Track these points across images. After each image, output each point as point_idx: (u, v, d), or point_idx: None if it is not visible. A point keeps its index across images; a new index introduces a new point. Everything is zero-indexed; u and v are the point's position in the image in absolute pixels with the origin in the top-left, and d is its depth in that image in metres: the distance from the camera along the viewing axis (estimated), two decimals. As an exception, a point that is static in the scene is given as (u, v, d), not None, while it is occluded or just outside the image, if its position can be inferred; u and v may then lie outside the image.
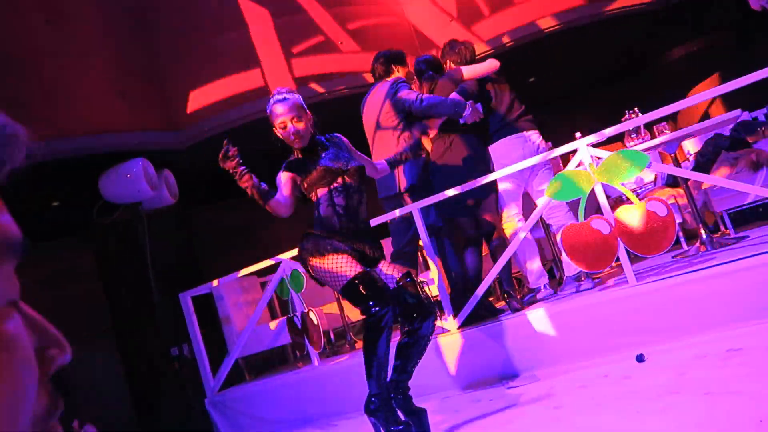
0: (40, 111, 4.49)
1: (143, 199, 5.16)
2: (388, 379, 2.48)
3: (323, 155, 2.65)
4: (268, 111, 2.63)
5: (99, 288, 5.81)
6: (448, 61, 3.92)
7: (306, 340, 3.84)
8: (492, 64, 3.71)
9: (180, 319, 4.38)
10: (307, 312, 3.86)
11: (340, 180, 2.61)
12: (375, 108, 3.81)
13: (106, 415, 5.58)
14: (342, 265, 2.48)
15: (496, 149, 3.69)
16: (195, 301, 4.43)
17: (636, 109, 3.57)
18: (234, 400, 4.16)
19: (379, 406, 2.41)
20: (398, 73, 3.84)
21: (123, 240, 5.58)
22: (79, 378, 5.35)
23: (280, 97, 2.61)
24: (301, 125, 2.58)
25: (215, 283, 4.35)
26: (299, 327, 3.89)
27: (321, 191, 2.60)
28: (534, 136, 3.67)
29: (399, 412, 2.48)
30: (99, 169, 5.06)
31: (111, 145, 4.85)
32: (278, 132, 2.61)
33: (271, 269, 4.12)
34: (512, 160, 3.53)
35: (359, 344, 4.53)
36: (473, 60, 3.88)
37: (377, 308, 2.37)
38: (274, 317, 5.35)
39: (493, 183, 3.61)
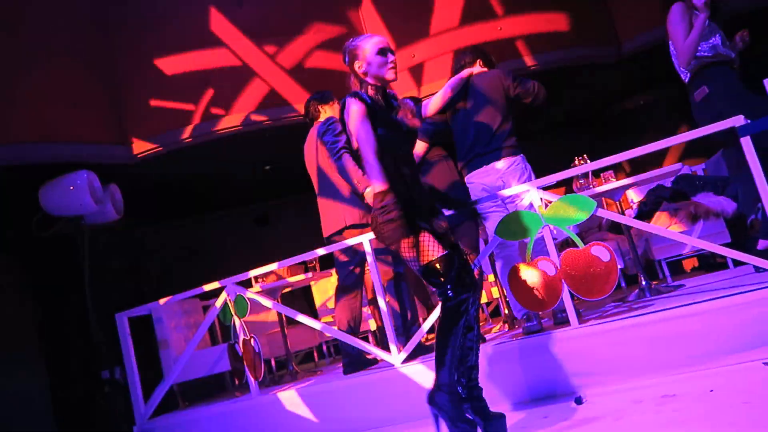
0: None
1: (86, 213, 4.97)
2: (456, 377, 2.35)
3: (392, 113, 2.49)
4: (354, 44, 2.49)
5: (31, 303, 5.52)
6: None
7: (246, 368, 3.73)
8: (444, 94, 3.42)
9: (116, 340, 4.19)
10: (249, 339, 3.76)
11: (406, 147, 2.48)
12: (311, 150, 3.86)
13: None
14: (424, 244, 2.34)
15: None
16: (133, 322, 4.26)
17: (585, 156, 3.68)
18: (166, 428, 3.98)
19: (448, 398, 2.27)
20: (325, 113, 3.85)
21: (60, 255, 5.34)
22: (-1, 398, 5.03)
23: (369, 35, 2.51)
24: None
25: (159, 302, 4.20)
26: (240, 354, 3.78)
27: (386, 158, 2.38)
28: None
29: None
30: (41, 180, 4.86)
31: (55, 154, 4.69)
32: (372, 60, 2.43)
33: (215, 293, 4.01)
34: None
35: (301, 374, 4.44)
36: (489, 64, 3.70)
37: (453, 292, 2.31)
38: (214, 343, 5.19)
39: (468, 211, 3.57)
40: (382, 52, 2.44)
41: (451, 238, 2.48)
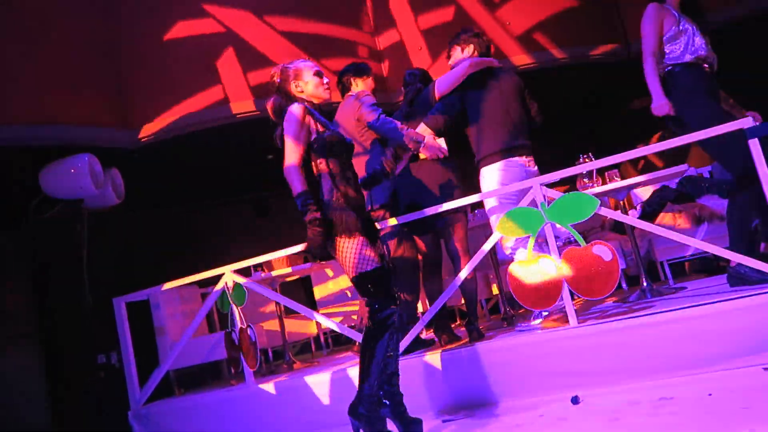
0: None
1: (86, 197, 4.95)
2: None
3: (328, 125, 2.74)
4: (293, 67, 2.72)
5: (27, 286, 5.51)
6: (454, 49, 3.65)
7: (242, 357, 3.72)
8: (463, 71, 3.46)
9: (112, 325, 4.18)
10: (246, 328, 3.74)
11: (346, 154, 2.68)
12: (342, 123, 3.70)
13: (20, 421, 5.24)
14: (365, 252, 2.49)
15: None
16: (130, 308, 4.25)
17: (590, 153, 3.65)
18: (160, 414, 3.98)
19: (368, 410, 2.42)
20: (357, 86, 3.69)
21: (59, 237, 5.33)
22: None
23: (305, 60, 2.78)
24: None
25: (158, 288, 4.18)
26: (236, 343, 3.77)
27: (332, 162, 2.60)
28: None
29: (389, 421, 2.50)
30: (42, 162, 4.84)
31: (57, 137, 4.66)
32: (309, 81, 2.69)
33: (213, 280, 3.99)
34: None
35: (298, 365, 4.42)
36: (486, 55, 3.62)
37: (381, 305, 2.47)
38: (212, 330, 5.18)
39: (460, 207, 3.48)
40: (318, 74, 2.73)
41: (383, 252, 2.65)
